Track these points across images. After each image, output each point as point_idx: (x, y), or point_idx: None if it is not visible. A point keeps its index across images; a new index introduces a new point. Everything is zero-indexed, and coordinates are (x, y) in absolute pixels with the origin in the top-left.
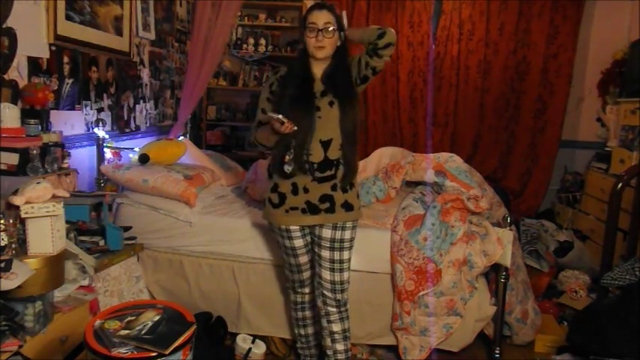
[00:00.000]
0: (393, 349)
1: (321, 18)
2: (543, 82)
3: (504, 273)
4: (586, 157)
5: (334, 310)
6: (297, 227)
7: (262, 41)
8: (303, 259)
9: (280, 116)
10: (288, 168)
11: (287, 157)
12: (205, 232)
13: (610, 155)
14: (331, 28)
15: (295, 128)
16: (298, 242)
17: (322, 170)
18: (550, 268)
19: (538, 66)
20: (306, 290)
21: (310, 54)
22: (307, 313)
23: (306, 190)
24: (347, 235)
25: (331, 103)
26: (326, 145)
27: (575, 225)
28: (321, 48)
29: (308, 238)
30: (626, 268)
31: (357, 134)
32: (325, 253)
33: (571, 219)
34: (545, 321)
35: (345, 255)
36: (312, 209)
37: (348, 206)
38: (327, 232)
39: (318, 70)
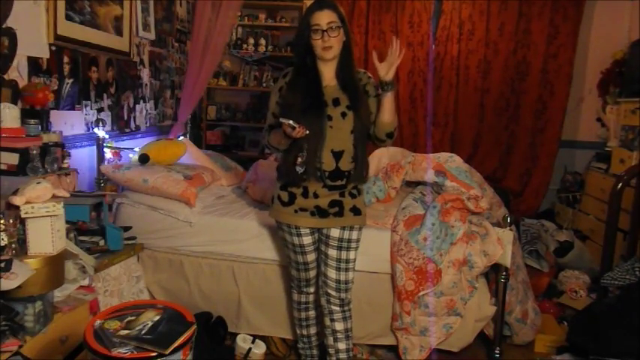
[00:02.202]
0: (393, 349)
1: (324, 18)
2: (543, 82)
3: (504, 273)
4: (586, 157)
5: (338, 308)
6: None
7: (262, 41)
8: (311, 257)
9: (291, 122)
10: (299, 169)
11: (299, 159)
12: (205, 232)
13: (610, 155)
14: (335, 27)
15: (307, 132)
16: (307, 239)
17: (333, 179)
18: (550, 268)
19: (538, 66)
20: (311, 290)
21: (318, 56)
22: (310, 313)
23: (316, 196)
24: (354, 235)
25: (344, 115)
26: (338, 155)
27: (575, 225)
28: (329, 48)
29: (315, 236)
30: (626, 268)
31: (366, 144)
32: (332, 252)
33: (571, 219)
34: (545, 321)
35: (352, 255)
36: (321, 213)
37: (356, 210)
38: (335, 232)
39: (327, 70)
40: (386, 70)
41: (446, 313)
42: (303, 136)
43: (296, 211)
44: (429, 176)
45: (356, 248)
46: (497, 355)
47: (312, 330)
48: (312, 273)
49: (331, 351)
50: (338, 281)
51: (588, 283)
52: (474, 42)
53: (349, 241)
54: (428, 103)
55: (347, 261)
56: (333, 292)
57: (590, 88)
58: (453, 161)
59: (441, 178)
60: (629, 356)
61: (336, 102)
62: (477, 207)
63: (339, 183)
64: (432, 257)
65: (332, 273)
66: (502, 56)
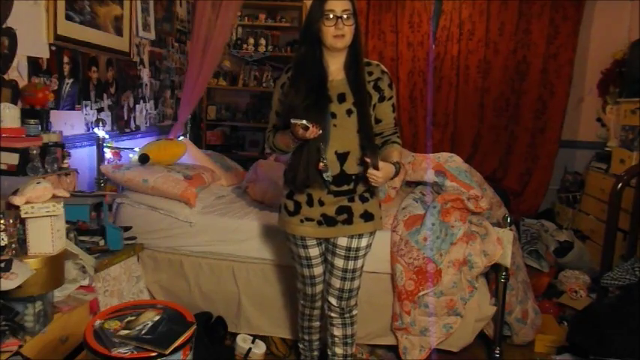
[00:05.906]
0: (393, 349)
1: (339, 5)
2: (543, 82)
3: (504, 273)
4: (586, 157)
5: (337, 316)
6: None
7: (262, 41)
8: (318, 270)
9: (304, 121)
10: (328, 175)
11: (322, 164)
12: (205, 232)
13: (610, 155)
14: (348, 16)
15: (321, 132)
16: (314, 251)
17: (338, 184)
18: (550, 268)
19: (538, 66)
20: (317, 305)
21: (328, 45)
22: (314, 323)
23: (321, 203)
24: (363, 243)
25: (349, 112)
26: (342, 158)
27: (575, 225)
28: (342, 37)
29: (323, 246)
30: (626, 268)
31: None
32: (339, 262)
33: (571, 219)
34: (545, 321)
35: (359, 263)
36: (328, 221)
37: (367, 216)
38: (343, 241)
39: (333, 63)
40: (383, 178)
41: (446, 313)
42: (316, 137)
43: (302, 221)
44: (429, 176)
45: (364, 256)
46: (497, 355)
47: (315, 337)
48: (319, 287)
49: (329, 352)
50: (341, 290)
51: (588, 283)
52: (474, 42)
53: (357, 250)
54: (428, 103)
55: (354, 270)
56: (333, 300)
57: (590, 88)
58: (452, 161)
59: (441, 178)
60: (630, 356)
61: (342, 98)
62: (477, 207)
63: (345, 188)
64: (432, 257)
65: (336, 282)
66: (502, 56)
